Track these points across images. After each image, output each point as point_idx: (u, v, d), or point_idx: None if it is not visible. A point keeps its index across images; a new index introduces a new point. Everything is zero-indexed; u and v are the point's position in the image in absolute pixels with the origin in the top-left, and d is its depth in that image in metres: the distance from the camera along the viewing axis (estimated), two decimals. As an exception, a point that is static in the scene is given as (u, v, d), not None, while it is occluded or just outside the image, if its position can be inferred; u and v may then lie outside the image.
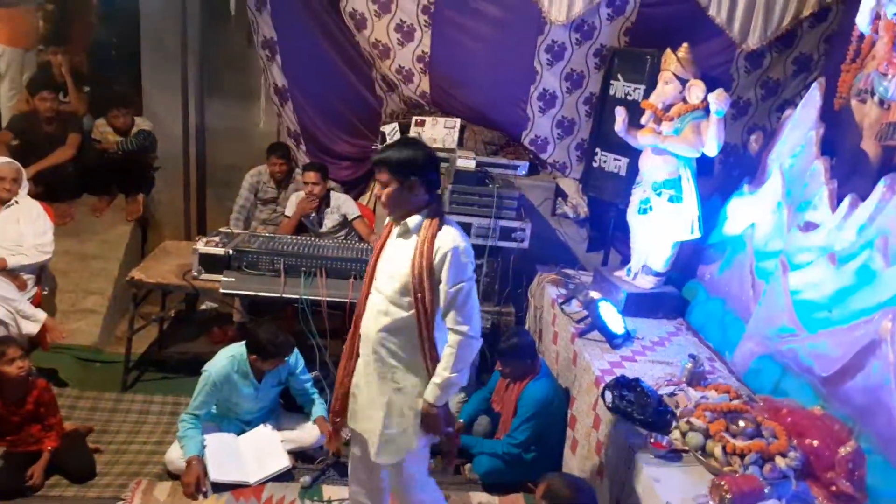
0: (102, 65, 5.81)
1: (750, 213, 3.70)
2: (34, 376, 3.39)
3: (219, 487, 3.35)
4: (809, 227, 3.20)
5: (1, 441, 3.32)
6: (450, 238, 2.44)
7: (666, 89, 3.72)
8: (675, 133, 3.64)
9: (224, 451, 3.48)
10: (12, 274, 3.97)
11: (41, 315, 4.00)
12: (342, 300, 4.01)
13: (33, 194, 4.39)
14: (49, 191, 4.90)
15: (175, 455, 3.43)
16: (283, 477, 3.47)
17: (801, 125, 3.57)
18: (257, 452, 3.53)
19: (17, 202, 4.13)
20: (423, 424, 2.57)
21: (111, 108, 5.17)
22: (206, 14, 5.20)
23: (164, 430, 3.82)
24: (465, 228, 4.20)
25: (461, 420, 3.78)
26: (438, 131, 4.88)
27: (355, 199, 5.12)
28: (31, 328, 3.92)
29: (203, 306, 5.14)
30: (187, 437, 3.42)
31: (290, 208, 4.83)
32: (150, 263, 4.36)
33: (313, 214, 4.82)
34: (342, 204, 4.85)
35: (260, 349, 3.44)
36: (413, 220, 2.48)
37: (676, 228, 3.75)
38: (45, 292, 4.32)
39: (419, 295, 2.44)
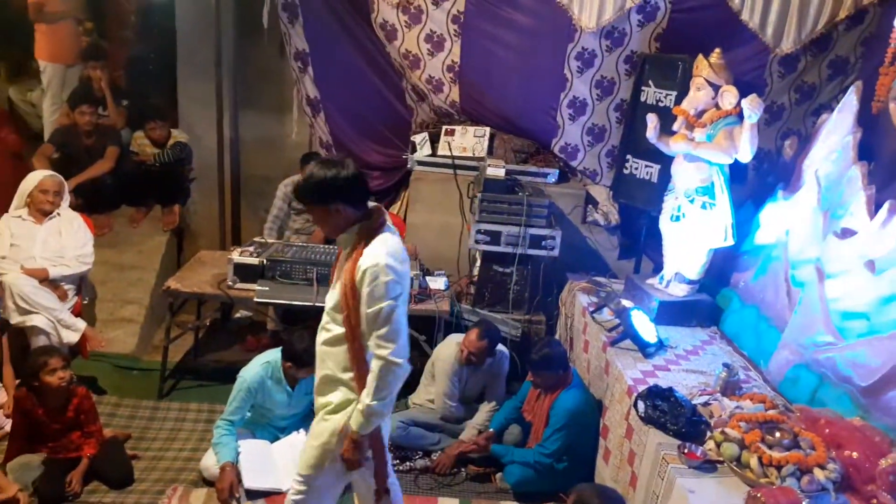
0: (140, 79, 5.95)
1: (784, 219, 3.64)
2: (74, 384, 3.47)
3: (252, 494, 3.39)
4: (846, 233, 3.14)
5: (42, 447, 3.40)
6: (372, 255, 2.34)
7: (698, 95, 3.69)
8: (707, 139, 3.60)
9: (258, 459, 3.52)
10: (54, 284, 4.08)
11: (81, 324, 4.10)
12: (374, 309, 4.05)
13: (74, 206, 4.50)
14: (88, 202, 5.02)
15: (210, 462, 3.48)
16: (316, 484, 3.49)
17: (837, 130, 3.51)
18: (290, 459, 3.55)
19: (58, 214, 4.24)
20: (343, 449, 2.47)
21: (148, 121, 5.29)
22: (240, 28, 5.30)
23: (200, 437, 3.88)
24: (495, 237, 4.23)
25: (491, 429, 3.78)
26: (468, 140, 4.90)
27: (386, 208, 5.14)
28: (71, 337, 4.03)
29: (237, 315, 5.21)
30: (221, 443, 3.47)
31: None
32: (186, 273, 4.44)
33: (345, 224, 4.87)
34: (373, 213, 4.88)
35: (295, 357, 3.48)
36: (346, 237, 2.47)
37: (709, 235, 3.71)
38: (85, 302, 4.42)
39: (345, 312, 2.40)
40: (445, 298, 4.34)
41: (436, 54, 4.77)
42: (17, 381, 3.66)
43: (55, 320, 3.96)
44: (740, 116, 3.49)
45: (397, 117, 5.22)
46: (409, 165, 4.96)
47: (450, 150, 4.86)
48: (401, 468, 3.70)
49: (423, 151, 4.94)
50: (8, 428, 3.55)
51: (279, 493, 3.40)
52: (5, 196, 4.33)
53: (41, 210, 4.18)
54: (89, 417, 3.50)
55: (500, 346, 3.99)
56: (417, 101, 5.14)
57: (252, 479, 3.42)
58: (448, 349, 3.95)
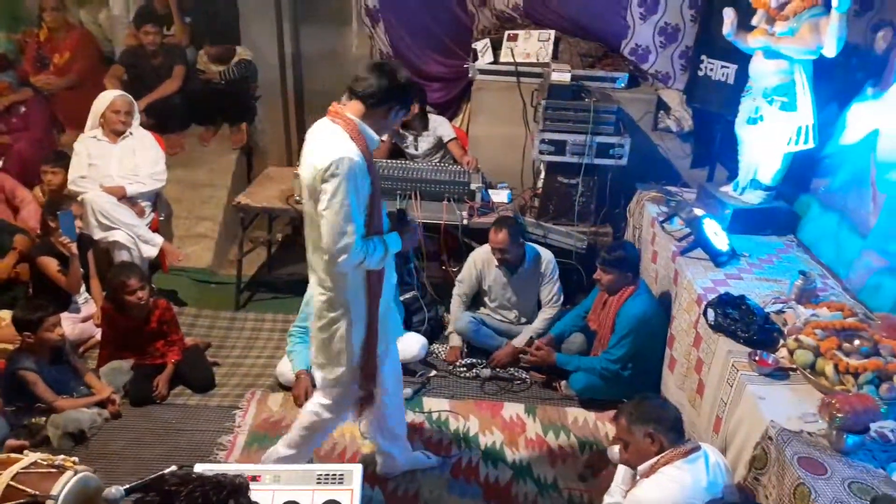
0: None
1: (873, 119, 3.38)
2: (156, 297, 3.65)
3: (326, 399, 3.54)
4: (944, 130, 2.91)
5: (130, 355, 3.62)
6: None
7: (781, -15, 3.40)
8: (789, 33, 3.34)
9: (330, 365, 3.66)
10: (131, 201, 4.24)
11: (159, 240, 4.28)
12: (437, 222, 4.06)
13: (145, 126, 4.61)
14: (159, 122, 5.13)
15: (285, 368, 3.65)
16: (386, 390, 3.62)
17: (939, 17, 3.20)
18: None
19: (131, 133, 4.35)
20: None
21: (208, 43, 5.31)
22: (297, -62, 5.19)
23: (276, 345, 4.05)
24: (560, 146, 4.12)
25: (551, 334, 3.79)
26: (532, 45, 4.71)
27: (449, 121, 5.07)
28: (150, 252, 4.21)
29: (308, 231, 5.31)
30: (296, 351, 3.62)
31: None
32: (256, 189, 4.54)
33: (409, 138, 4.82)
34: (438, 126, 4.81)
35: None
36: None
37: (788, 138, 3.50)
38: (162, 218, 4.59)
39: None
40: (509, 211, 4.30)
41: (498, -46, 4.56)
42: (104, 294, 3.88)
43: (135, 236, 4.13)
44: (827, 7, 3.20)
45: (458, 24, 5.06)
46: (470, 75, 4.83)
47: (513, 56, 4.69)
48: (467, 375, 3.79)
49: (485, 59, 4.78)
50: (98, 337, 3.80)
51: (351, 398, 3.55)
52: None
53: (114, 130, 4.30)
54: (171, 328, 3.70)
55: (538, 248, 3.95)
56: (478, 5, 4.95)
57: (325, 385, 3.56)
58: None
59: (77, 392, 3.39)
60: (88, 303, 4.04)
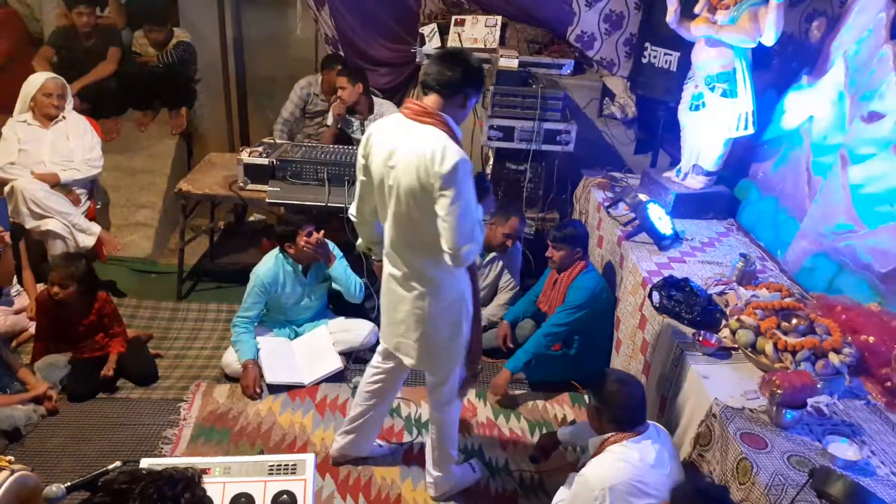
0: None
1: (808, 106, 3.51)
2: (94, 290, 3.50)
3: (274, 389, 3.49)
4: (874, 117, 3.02)
5: (68, 348, 3.48)
6: None
7: (721, -25, 3.48)
8: (731, 22, 3.43)
9: (278, 355, 3.61)
10: (65, 189, 4.06)
11: (96, 228, 4.12)
12: (386, 207, 4.03)
13: (79, 111, 4.42)
14: (94, 106, 4.93)
15: (231, 359, 3.57)
16: (336, 377, 3.59)
17: (869, 8, 3.31)
18: (310, 355, 3.64)
19: (64, 118, 4.17)
20: None
21: (145, 25, 5.12)
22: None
23: (220, 336, 3.96)
24: (508, 133, 4.14)
25: (505, 321, 3.82)
26: (479, 31, 4.71)
27: (398, 105, 5.01)
28: (87, 241, 4.05)
29: (252, 218, 5.21)
30: (241, 341, 3.55)
31: (331, 118, 4.78)
32: (197, 175, 4.41)
33: (356, 123, 4.76)
34: (385, 111, 4.75)
35: (280, 237, 3.56)
36: None
37: (729, 124, 3.59)
38: (98, 206, 4.42)
39: None
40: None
41: (443, -62, 4.52)
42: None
43: (70, 225, 3.97)
44: (766, -4, 3.30)
45: (405, 8, 5.00)
46: (417, 59, 4.80)
47: (460, 41, 4.67)
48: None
49: (433, 44, 4.75)
50: (32, 330, 3.64)
51: (301, 387, 3.50)
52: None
53: (46, 114, 4.11)
54: (112, 320, 3.57)
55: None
56: (426, -11, 4.91)
57: (274, 375, 3.51)
58: None
59: (10, 388, 3.23)
60: (21, 294, 3.86)
